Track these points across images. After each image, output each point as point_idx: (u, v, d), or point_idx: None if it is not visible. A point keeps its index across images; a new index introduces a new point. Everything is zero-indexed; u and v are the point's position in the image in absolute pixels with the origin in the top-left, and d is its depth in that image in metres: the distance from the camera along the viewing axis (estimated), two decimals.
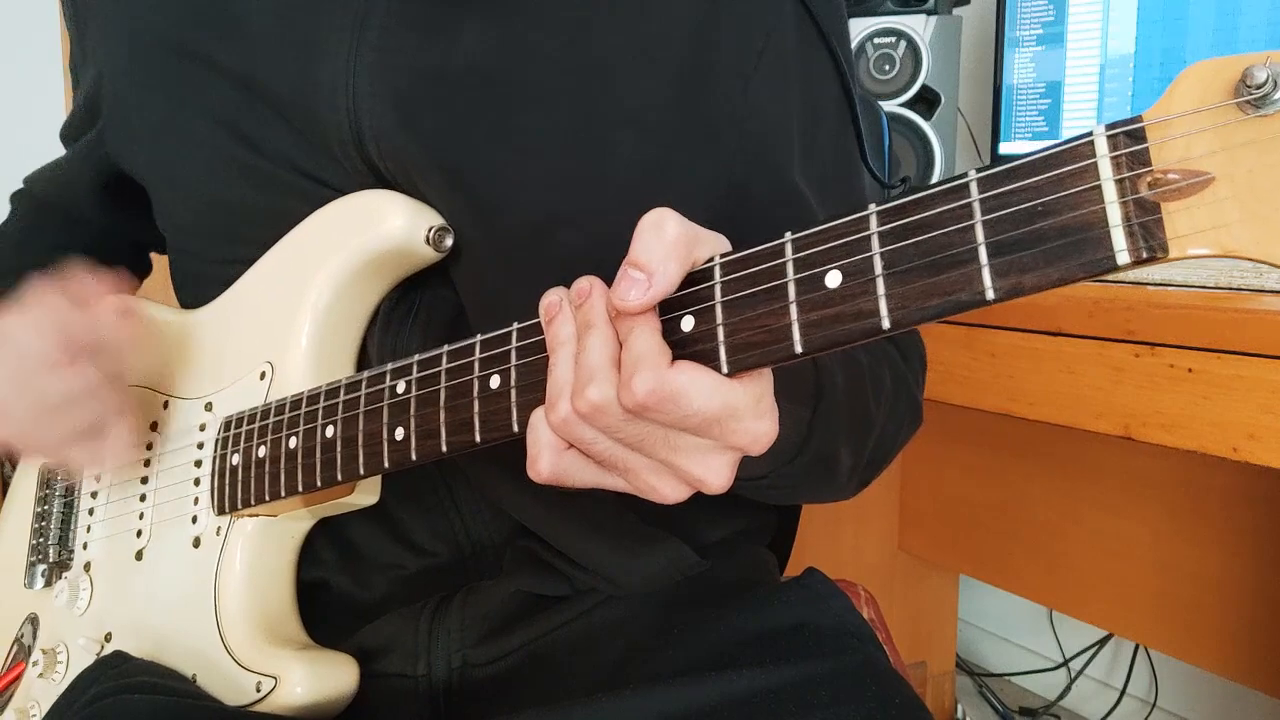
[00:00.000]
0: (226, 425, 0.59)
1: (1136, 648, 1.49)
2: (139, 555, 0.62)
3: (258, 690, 0.54)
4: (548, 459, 0.40)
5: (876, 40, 1.21)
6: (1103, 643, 1.55)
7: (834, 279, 0.35)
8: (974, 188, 0.33)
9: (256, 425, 0.56)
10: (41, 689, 0.64)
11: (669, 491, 0.40)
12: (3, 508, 0.75)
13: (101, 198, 0.73)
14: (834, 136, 0.60)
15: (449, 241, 0.54)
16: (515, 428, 0.43)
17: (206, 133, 0.59)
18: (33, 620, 0.68)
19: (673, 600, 0.59)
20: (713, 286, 0.38)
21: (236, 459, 0.57)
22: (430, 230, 0.53)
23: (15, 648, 0.68)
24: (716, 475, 0.39)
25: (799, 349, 0.36)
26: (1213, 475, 1.19)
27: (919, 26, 1.19)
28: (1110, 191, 0.30)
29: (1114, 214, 0.30)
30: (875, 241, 0.35)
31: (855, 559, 1.53)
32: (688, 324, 0.39)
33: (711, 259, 0.39)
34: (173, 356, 0.65)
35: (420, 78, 0.53)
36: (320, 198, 0.56)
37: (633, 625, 0.58)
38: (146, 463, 0.64)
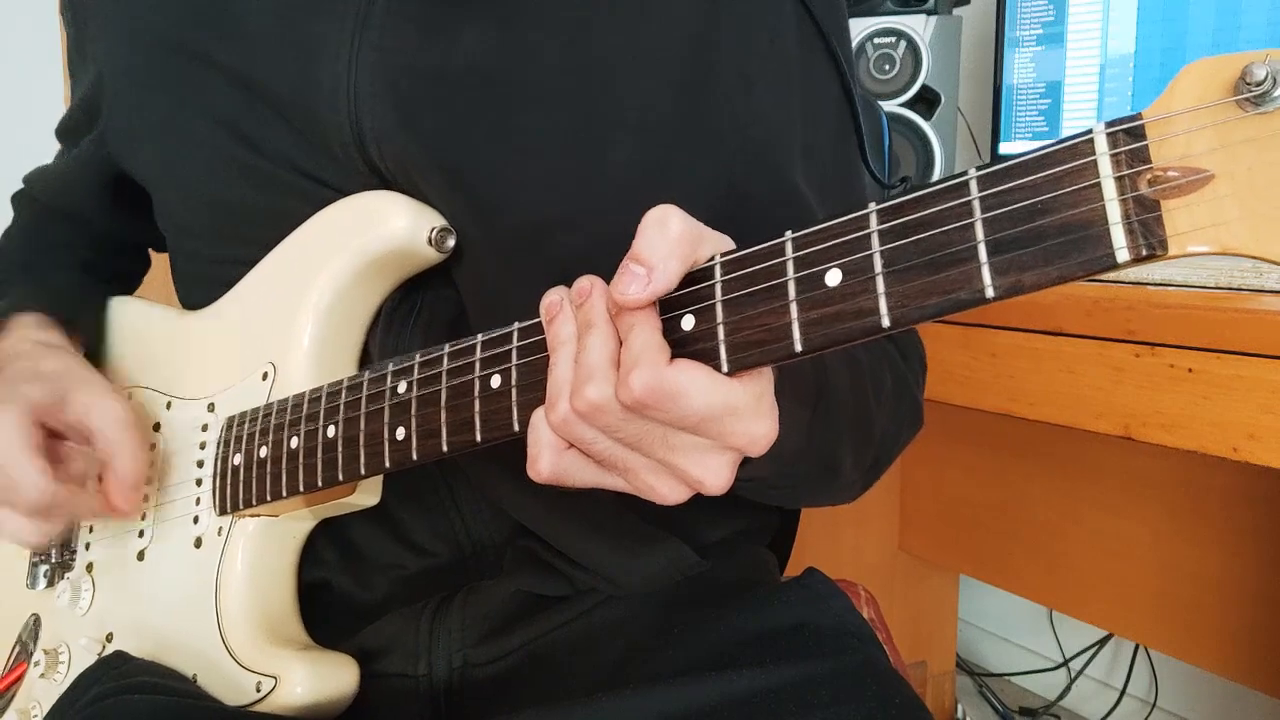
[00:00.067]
0: (228, 425, 0.59)
1: (1136, 648, 1.49)
2: (140, 555, 0.62)
3: (258, 690, 0.54)
4: (548, 459, 0.40)
5: (876, 40, 1.21)
6: (1103, 643, 1.55)
7: (834, 277, 0.35)
8: (973, 186, 0.33)
9: (258, 425, 0.57)
10: (43, 689, 0.64)
11: (668, 492, 0.40)
12: None
13: (102, 198, 0.73)
14: (835, 138, 0.60)
15: (451, 242, 0.54)
16: (516, 427, 0.43)
17: (207, 133, 0.59)
18: (34, 620, 0.68)
19: (673, 600, 0.59)
20: (713, 285, 0.39)
21: (238, 459, 0.57)
22: (432, 231, 0.53)
23: (17, 648, 0.68)
24: (715, 476, 0.39)
25: (799, 347, 0.36)
26: (1213, 475, 1.19)
27: (919, 26, 1.19)
28: (1110, 189, 0.30)
29: (1113, 211, 0.30)
30: (875, 240, 0.35)
31: (855, 559, 1.53)
32: (688, 323, 0.39)
33: (712, 258, 0.39)
34: (175, 357, 0.65)
35: (421, 78, 0.53)
36: (320, 198, 0.56)
37: (633, 625, 0.58)
38: (150, 463, 0.64)
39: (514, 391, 0.43)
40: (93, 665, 0.59)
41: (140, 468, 0.58)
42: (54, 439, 0.59)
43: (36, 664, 0.65)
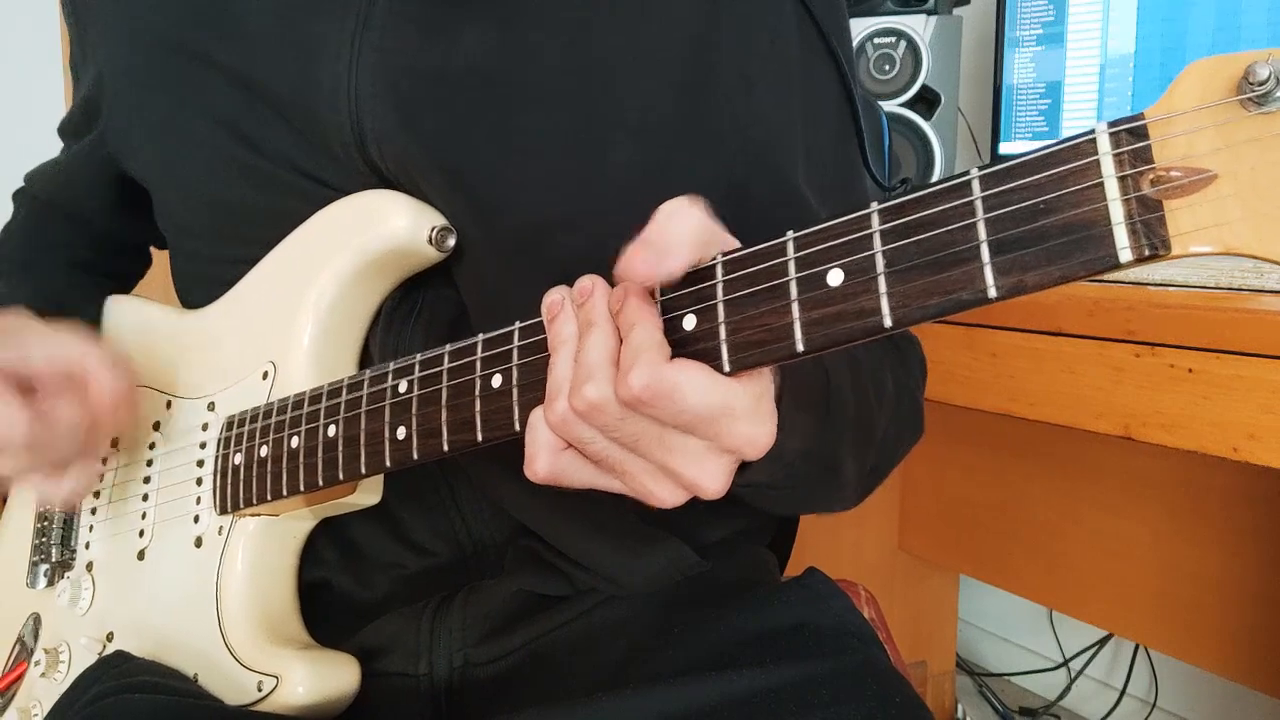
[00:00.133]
0: (229, 425, 0.59)
1: (1136, 648, 1.49)
2: (141, 555, 0.62)
3: (259, 689, 0.54)
4: (545, 459, 0.40)
5: (876, 40, 1.21)
6: (1103, 643, 1.55)
7: (836, 277, 0.35)
8: (976, 186, 0.33)
9: (259, 425, 0.57)
10: (44, 688, 0.64)
11: (665, 495, 0.40)
12: (6, 508, 0.75)
13: (103, 197, 0.73)
14: (835, 139, 0.60)
15: (451, 241, 0.54)
16: (517, 426, 0.43)
17: (207, 133, 0.59)
18: (35, 620, 0.68)
19: (673, 600, 0.59)
20: (714, 285, 0.39)
21: (239, 458, 0.57)
22: (433, 230, 0.53)
23: (17, 647, 0.68)
24: (712, 479, 0.39)
25: (801, 347, 0.36)
26: (1213, 475, 1.19)
27: (919, 26, 1.19)
28: (1113, 189, 0.30)
29: (1116, 211, 0.30)
30: (877, 240, 0.35)
31: (855, 559, 1.53)
32: (689, 323, 0.39)
33: (714, 257, 0.39)
34: (175, 356, 0.65)
35: (422, 78, 0.53)
36: (321, 198, 0.56)
37: (633, 625, 0.58)
38: (149, 462, 0.64)
39: (515, 391, 0.43)
40: (93, 664, 0.59)
41: (118, 378, 0.56)
42: (30, 394, 0.56)
43: (37, 663, 0.65)
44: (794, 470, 0.47)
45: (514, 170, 0.53)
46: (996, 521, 1.44)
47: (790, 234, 0.37)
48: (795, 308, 0.36)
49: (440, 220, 0.54)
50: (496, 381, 0.44)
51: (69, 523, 0.68)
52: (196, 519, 0.60)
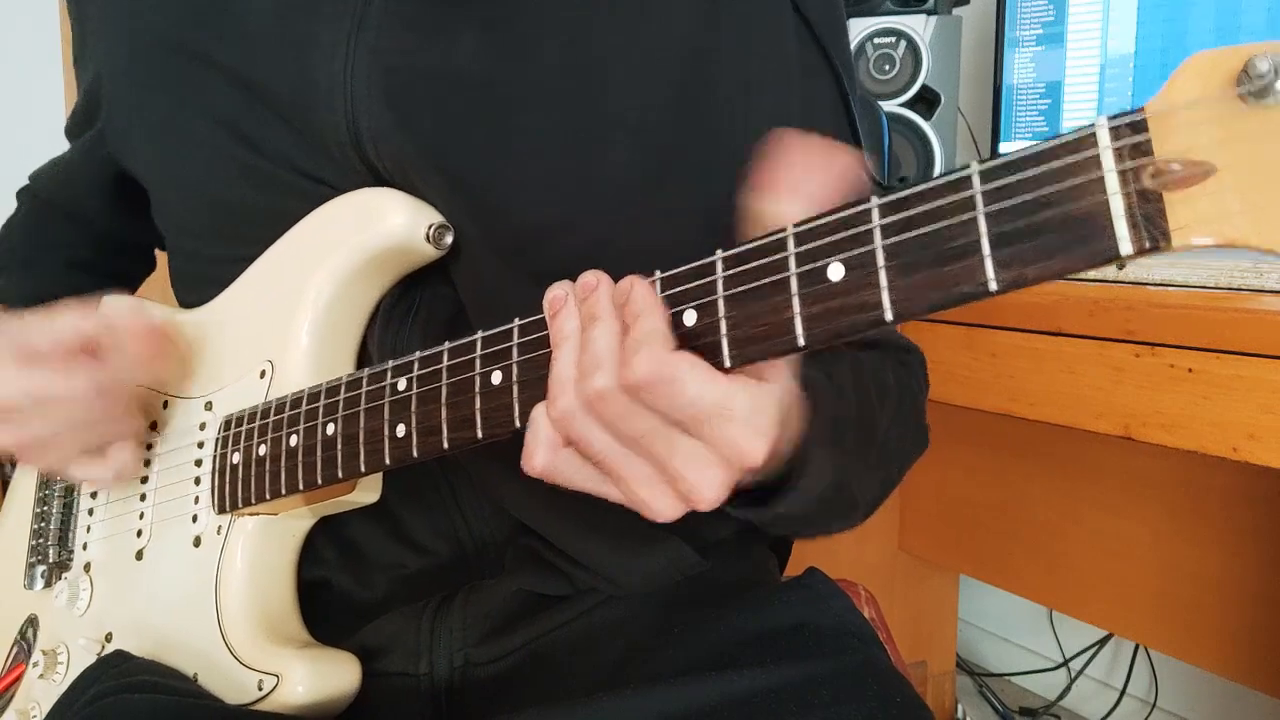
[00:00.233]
0: (227, 424, 0.59)
1: (1136, 648, 1.49)
2: (139, 555, 0.62)
3: (259, 689, 0.54)
4: (542, 455, 0.40)
5: (876, 40, 1.21)
6: (1103, 643, 1.55)
7: (836, 271, 0.35)
8: (976, 180, 0.33)
9: (257, 424, 0.56)
10: (42, 690, 0.64)
11: (661, 505, 0.40)
12: (2, 508, 0.75)
13: (104, 197, 0.73)
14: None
15: (449, 239, 0.54)
16: (517, 423, 0.43)
17: (207, 133, 0.59)
18: (33, 621, 0.68)
19: (673, 600, 0.59)
20: (715, 281, 0.39)
21: (237, 457, 0.57)
22: (430, 227, 0.53)
23: (15, 649, 0.68)
24: (710, 486, 0.39)
25: (802, 342, 0.36)
26: (1213, 475, 1.19)
27: (919, 26, 1.19)
28: (1113, 183, 0.30)
29: (1116, 205, 0.30)
30: (877, 234, 0.35)
31: (855, 559, 1.53)
32: (690, 318, 0.39)
33: (714, 253, 0.39)
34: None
35: (418, 78, 0.53)
36: (320, 197, 0.56)
37: (633, 625, 0.58)
38: (147, 462, 0.64)
39: (515, 388, 0.43)
40: (93, 664, 0.59)
41: (134, 319, 0.56)
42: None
43: (35, 665, 0.64)
44: (824, 499, 0.47)
45: (512, 170, 0.53)
46: (996, 521, 1.44)
47: (791, 228, 0.37)
48: (796, 302, 0.36)
49: (437, 218, 0.54)
50: (496, 378, 0.44)
51: (66, 523, 0.68)
52: (195, 518, 0.59)
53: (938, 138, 1.20)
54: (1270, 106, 0.28)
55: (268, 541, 0.57)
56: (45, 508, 0.69)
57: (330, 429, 0.52)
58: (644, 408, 0.38)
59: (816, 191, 0.38)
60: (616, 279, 0.40)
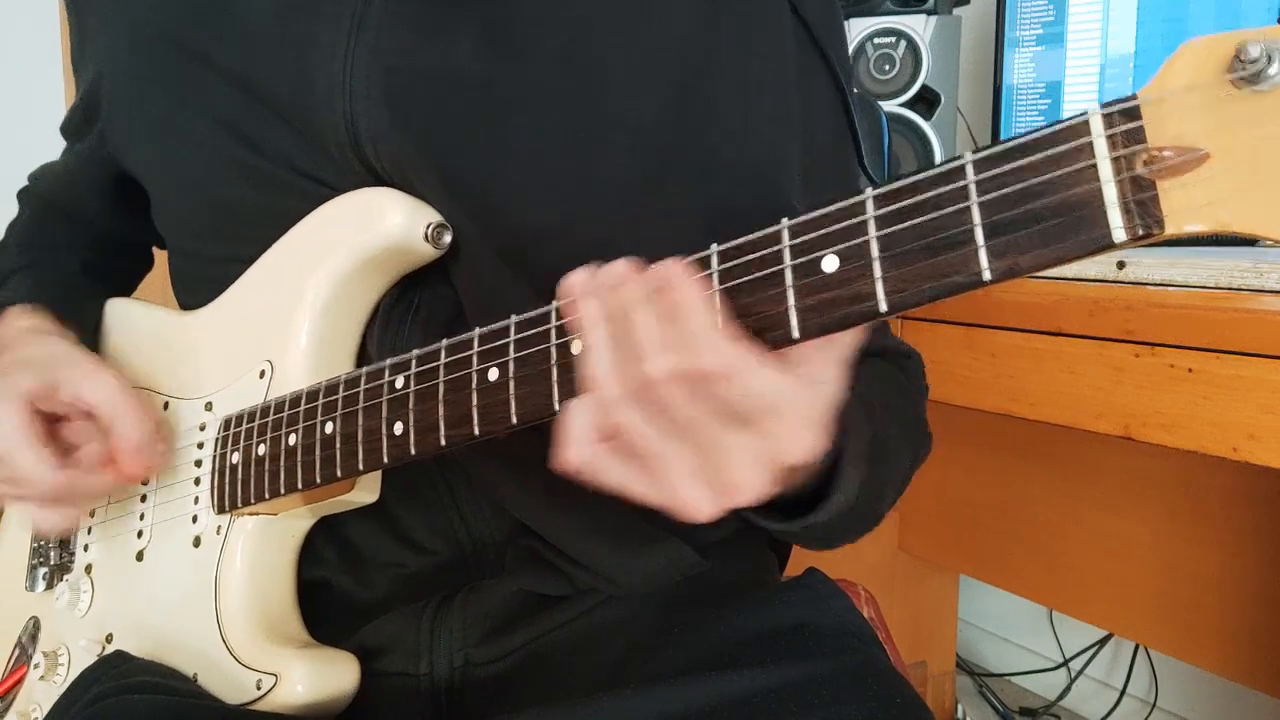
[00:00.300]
0: (226, 424, 0.59)
1: (1136, 648, 1.49)
2: (139, 556, 0.62)
3: (259, 688, 0.54)
4: (579, 448, 0.39)
5: (876, 40, 1.21)
6: (1103, 643, 1.55)
7: (831, 264, 0.35)
8: (969, 170, 0.33)
9: (256, 423, 0.56)
10: (43, 691, 0.64)
11: (699, 501, 0.38)
12: (4, 512, 0.75)
13: (104, 198, 0.73)
14: (832, 145, 0.60)
15: (447, 238, 0.54)
16: (513, 419, 0.43)
17: (206, 133, 0.59)
18: (34, 623, 0.68)
19: (673, 600, 0.59)
20: (710, 275, 0.39)
21: (236, 457, 0.57)
22: (429, 227, 0.53)
23: (17, 651, 0.68)
24: (751, 485, 0.38)
25: (797, 334, 0.36)
26: (1213, 475, 1.19)
27: (919, 26, 1.19)
28: (1106, 170, 0.30)
29: (1110, 192, 0.30)
30: (871, 226, 0.35)
31: (855, 559, 1.53)
32: None
33: (709, 247, 0.39)
34: (171, 357, 0.65)
35: (417, 78, 0.53)
36: (319, 197, 0.56)
37: (633, 625, 0.58)
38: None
39: (511, 384, 0.43)
40: (93, 665, 0.59)
41: (142, 429, 0.58)
42: (56, 423, 0.58)
43: (36, 666, 0.64)
44: (852, 513, 0.48)
45: (511, 170, 0.53)
46: (996, 521, 1.44)
47: (785, 221, 0.37)
48: (790, 294, 0.36)
49: (436, 217, 0.54)
50: (493, 375, 0.44)
51: None
52: (195, 519, 0.59)
53: (938, 138, 1.20)
54: (1263, 92, 0.28)
55: (267, 541, 0.57)
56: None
57: (329, 428, 0.52)
58: (698, 397, 0.37)
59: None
60: None
